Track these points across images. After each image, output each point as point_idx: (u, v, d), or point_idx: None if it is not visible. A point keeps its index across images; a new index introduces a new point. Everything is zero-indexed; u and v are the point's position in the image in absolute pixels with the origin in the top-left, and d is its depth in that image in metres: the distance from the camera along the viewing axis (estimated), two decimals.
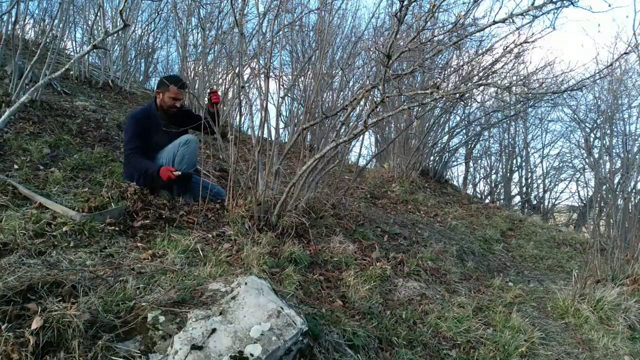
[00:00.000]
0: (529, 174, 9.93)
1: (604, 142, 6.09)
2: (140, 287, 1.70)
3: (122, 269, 1.86)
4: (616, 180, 5.26)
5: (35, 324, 1.28)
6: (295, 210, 2.95)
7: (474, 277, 3.39)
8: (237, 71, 2.91)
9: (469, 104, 6.43)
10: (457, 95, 2.53)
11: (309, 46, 5.33)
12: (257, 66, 3.24)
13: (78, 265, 1.83)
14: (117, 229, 2.23)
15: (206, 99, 3.06)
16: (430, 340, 2.18)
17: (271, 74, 3.10)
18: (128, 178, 2.90)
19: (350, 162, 6.28)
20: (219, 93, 3.01)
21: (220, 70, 6.07)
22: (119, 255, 2.02)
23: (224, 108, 5.66)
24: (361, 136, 3.59)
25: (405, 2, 1.84)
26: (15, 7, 3.59)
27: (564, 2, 2.01)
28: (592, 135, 8.27)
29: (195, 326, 1.43)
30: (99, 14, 4.94)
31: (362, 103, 3.04)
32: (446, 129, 6.69)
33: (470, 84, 2.92)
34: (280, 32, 3.10)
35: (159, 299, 1.58)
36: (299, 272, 2.38)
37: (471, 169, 9.80)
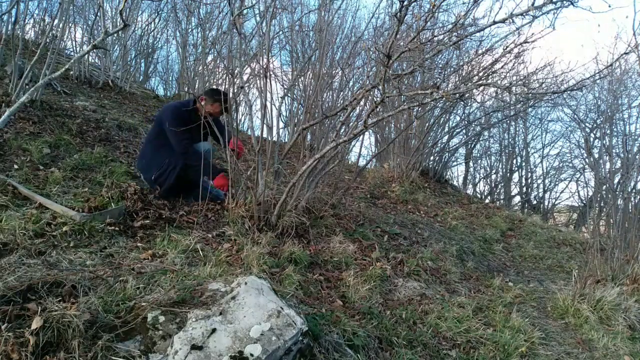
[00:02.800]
0: (529, 174, 9.93)
1: (604, 142, 6.09)
2: (140, 287, 1.70)
3: (122, 269, 1.86)
4: (616, 180, 5.26)
5: (35, 324, 1.28)
6: (295, 210, 2.96)
7: (474, 277, 3.39)
8: (235, 72, 2.91)
9: (469, 104, 6.42)
10: (457, 95, 2.53)
11: (309, 46, 5.33)
12: (256, 66, 3.24)
13: (78, 265, 1.83)
14: (117, 229, 2.23)
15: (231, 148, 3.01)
16: (430, 340, 2.18)
17: (270, 73, 3.11)
18: (149, 166, 2.97)
19: (350, 162, 6.28)
20: (243, 149, 3.04)
21: (220, 70, 6.08)
22: (119, 255, 2.02)
23: None
24: (361, 136, 3.59)
25: (405, 2, 1.84)
26: (15, 7, 3.59)
27: (564, 2, 2.01)
28: (592, 135, 8.26)
29: (195, 326, 1.43)
30: (99, 14, 4.94)
31: (362, 103, 3.04)
32: (446, 129, 6.68)
33: (470, 84, 2.91)
34: (280, 32, 3.10)
35: (159, 299, 1.58)
36: (299, 272, 2.38)
37: (471, 169, 9.81)
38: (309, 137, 5.08)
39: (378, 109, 3.07)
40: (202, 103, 3.03)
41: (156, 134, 3.04)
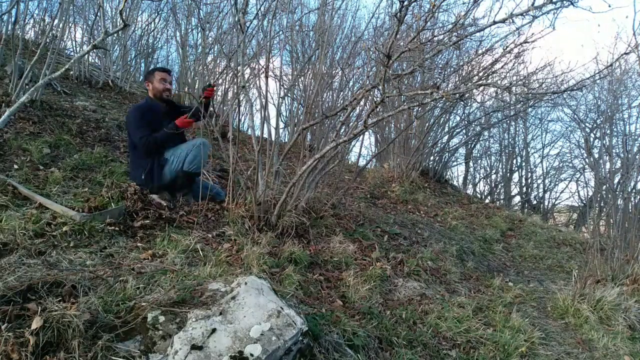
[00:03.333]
0: (529, 174, 9.93)
1: (604, 142, 6.08)
2: (140, 287, 1.70)
3: (122, 269, 1.86)
4: (616, 180, 5.26)
5: (35, 324, 1.28)
6: (295, 210, 2.96)
7: (474, 277, 3.39)
8: (237, 71, 2.91)
9: (469, 104, 6.43)
10: (457, 95, 2.53)
11: (309, 46, 5.33)
12: (257, 66, 3.24)
13: (78, 265, 1.83)
14: (117, 229, 2.23)
15: (201, 90, 3.08)
16: (430, 340, 2.18)
17: (271, 73, 3.12)
18: (136, 171, 2.94)
19: (350, 162, 6.28)
20: (215, 89, 3.04)
21: (220, 70, 6.07)
22: (119, 255, 2.02)
23: (224, 108, 5.66)
24: (361, 136, 3.60)
25: (405, 2, 1.84)
26: (15, 7, 3.59)
27: (564, 2, 2.01)
28: (592, 135, 8.26)
29: (195, 326, 1.43)
30: (99, 14, 4.94)
31: (362, 103, 3.04)
32: (446, 129, 6.68)
33: (470, 84, 2.92)
34: (281, 32, 3.10)
35: (159, 299, 1.58)
36: (299, 272, 2.38)
37: (471, 169, 9.81)
38: (309, 137, 5.08)
39: (378, 109, 3.07)
40: (150, 87, 3.06)
41: (131, 141, 3.05)
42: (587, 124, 8.60)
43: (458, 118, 6.79)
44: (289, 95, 5.65)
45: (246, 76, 4.45)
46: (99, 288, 1.62)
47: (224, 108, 5.70)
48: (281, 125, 6.34)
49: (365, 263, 2.87)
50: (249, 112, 3.15)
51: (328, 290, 2.41)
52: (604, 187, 5.61)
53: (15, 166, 2.74)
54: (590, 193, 8.47)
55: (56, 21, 4.49)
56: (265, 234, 2.63)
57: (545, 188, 9.95)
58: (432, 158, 6.76)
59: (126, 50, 6.43)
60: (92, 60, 6.39)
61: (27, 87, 3.45)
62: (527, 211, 9.28)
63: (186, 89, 6.69)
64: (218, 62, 6.03)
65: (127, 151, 3.36)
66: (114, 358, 1.32)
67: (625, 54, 2.51)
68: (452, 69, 4.62)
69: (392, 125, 6.32)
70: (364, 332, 1.96)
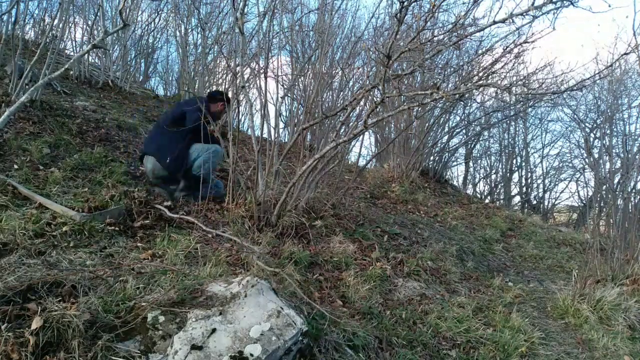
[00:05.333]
0: (529, 174, 9.93)
1: (604, 142, 6.08)
2: (140, 287, 1.70)
3: (122, 269, 1.86)
4: (616, 180, 5.26)
5: (35, 324, 1.28)
6: (295, 210, 2.96)
7: (474, 277, 3.39)
8: (236, 71, 2.92)
9: (469, 104, 6.43)
10: (457, 95, 2.53)
11: (309, 46, 5.33)
12: (256, 66, 3.25)
13: (78, 265, 1.83)
14: (117, 229, 2.23)
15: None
16: (430, 340, 2.18)
17: (271, 73, 3.13)
18: (165, 153, 3.02)
19: (350, 162, 6.28)
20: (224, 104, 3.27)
21: (220, 70, 6.08)
22: (119, 255, 2.02)
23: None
24: (361, 136, 3.60)
25: (405, 2, 1.84)
26: (15, 7, 3.59)
27: (564, 2, 2.01)
28: (592, 135, 8.27)
29: (195, 326, 1.43)
30: (98, 13, 4.94)
31: (362, 103, 3.04)
32: (446, 129, 6.69)
33: (470, 84, 2.91)
34: (280, 33, 3.10)
35: (159, 299, 1.57)
36: (299, 272, 2.38)
37: (471, 169, 9.81)
38: (309, 137, 5.08)
39: (378, 109, 3.07)
40: (216, 106, 3.22)
41: (173, 123, 3.10)
42: (587, 124, 8.61)
43: (458, 118, 6.81)
44: (289, 95, 5.65)
45: (246, 76, 4.45)
46: (99, 288, 1.62)
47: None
48: (281, 125, 6.34)
49: (365, 263, 2.87)
50: (248, 112, 3.14)
51: (328, 290, 2.41)
52: (604, 187, 5.61)
53: (15, 166, 2.73)
54: (590, 193, 8.47)
55: (56, 21, 4.49)
56: (265, 234, 2.63)
57: (545, 188, 9.96)
58: (432, 158, 6.77)
59: (126, 50, 6.43)
60: (92, 60, 6.39)
61: (27, 87, 3.45)
62: (527, 211, 9.28)
63: (186, 88, 6.69)
64: (218, 62, 6.03)
65: (155, 135, 3.32)
66: (114, 358, 1.32)
67: (625, 54, 2.51)
68: (452, 69, 4.62)
69: (392, 125, 6.32)
70: (364, 332, 1.96)
